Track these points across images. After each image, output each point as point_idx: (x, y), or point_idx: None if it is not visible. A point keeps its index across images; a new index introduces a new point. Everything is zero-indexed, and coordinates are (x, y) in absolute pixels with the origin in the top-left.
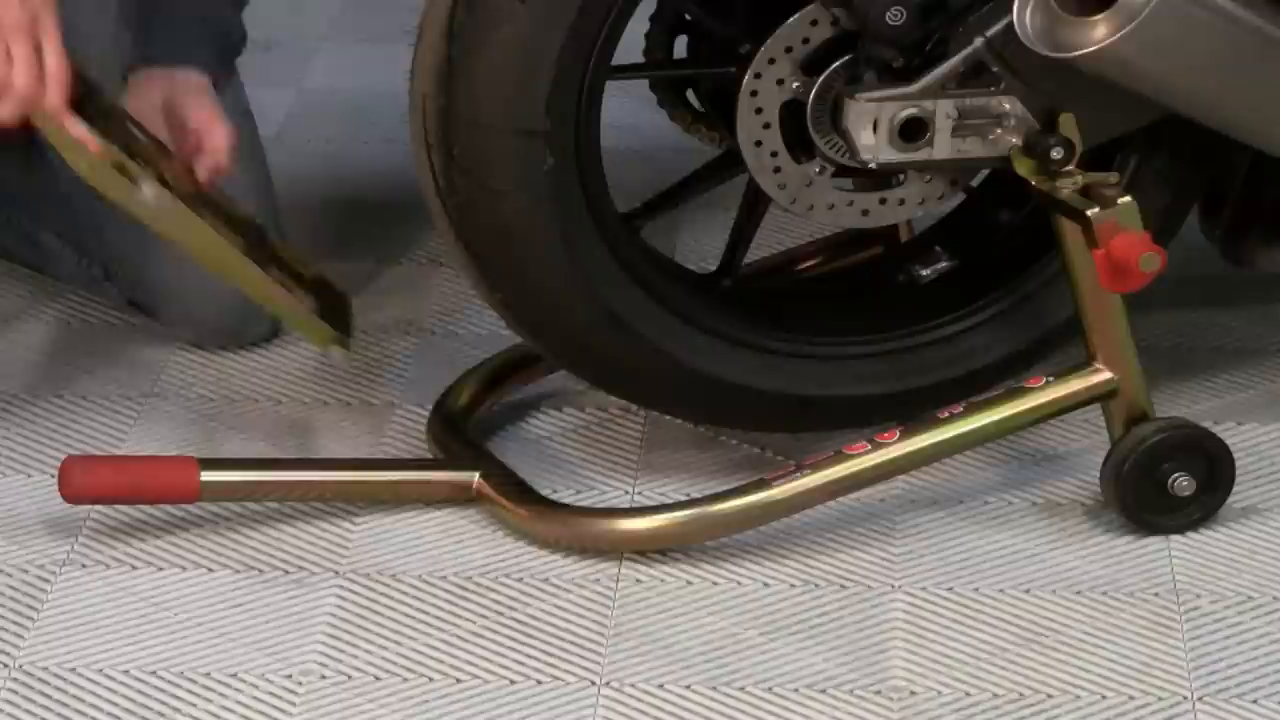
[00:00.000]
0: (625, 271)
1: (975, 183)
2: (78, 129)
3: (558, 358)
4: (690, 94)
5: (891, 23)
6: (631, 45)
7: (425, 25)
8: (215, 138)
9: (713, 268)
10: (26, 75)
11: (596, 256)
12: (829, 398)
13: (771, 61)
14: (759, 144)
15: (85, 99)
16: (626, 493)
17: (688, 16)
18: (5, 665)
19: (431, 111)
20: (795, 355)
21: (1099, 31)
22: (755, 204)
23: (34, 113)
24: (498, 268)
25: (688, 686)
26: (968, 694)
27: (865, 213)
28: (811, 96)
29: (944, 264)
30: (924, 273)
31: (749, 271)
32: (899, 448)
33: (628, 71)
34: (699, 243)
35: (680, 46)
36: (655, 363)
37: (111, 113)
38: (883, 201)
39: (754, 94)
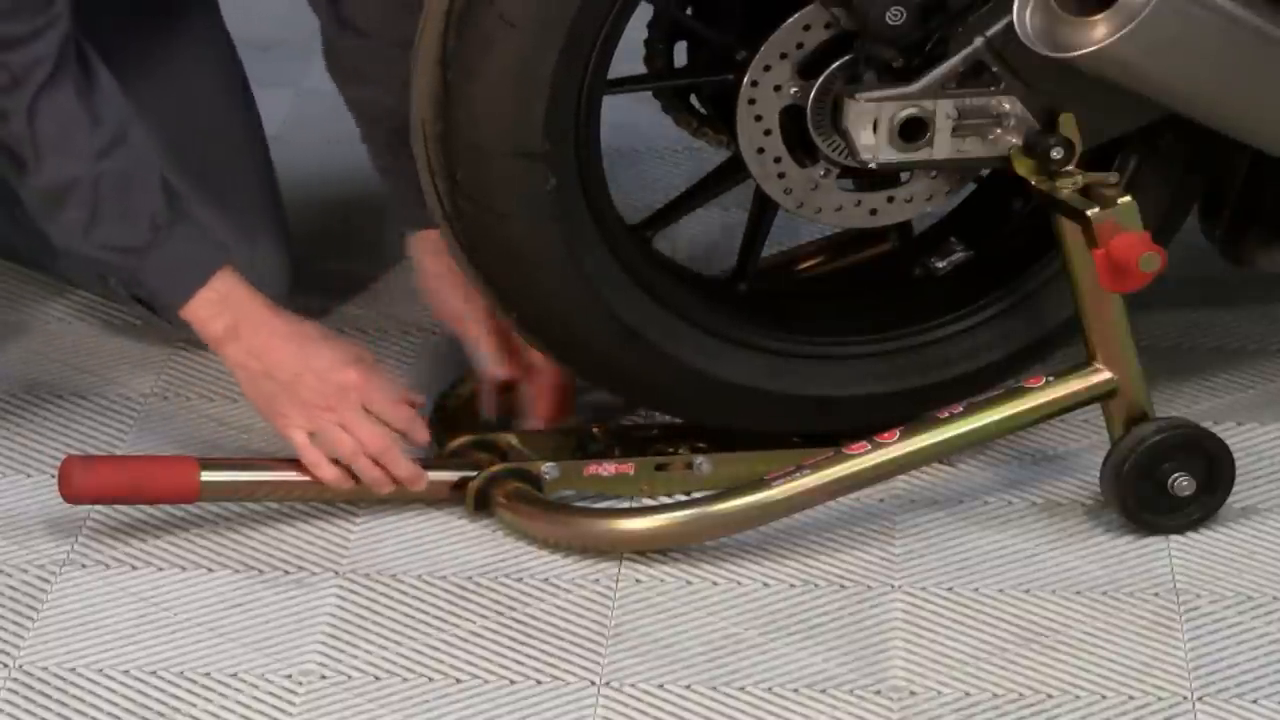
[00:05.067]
0: (637, 283)
1: (985, 171)
2: (605, 467)
3: (578, 372)
4: (694, 98)
5: (891, 22)
6: (634, 51)
7: (418, 51)
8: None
9: (718, 267)
10: (409, 470)
11: (606, 271)
12: (849, 398)
13: (767, 68)
14: (761, 151)
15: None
16: None
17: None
18: (5, 665)
19: (431, 137)
20: (814, 357)
21: (1099, 31)
22: (764, 208)
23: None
24: (510, 288)
25: (688, 686)
26: (968, 694)
27: (874, 212)
28: (811, 98)
29: (959, 254)
30: (940, 265)
31: (763, 268)
32: (899, 448)
33: (624, 85)
34: (702, 242)
35: (681, 53)
36: (674, 371)
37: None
38: (890, 200)
39: (752, 101)
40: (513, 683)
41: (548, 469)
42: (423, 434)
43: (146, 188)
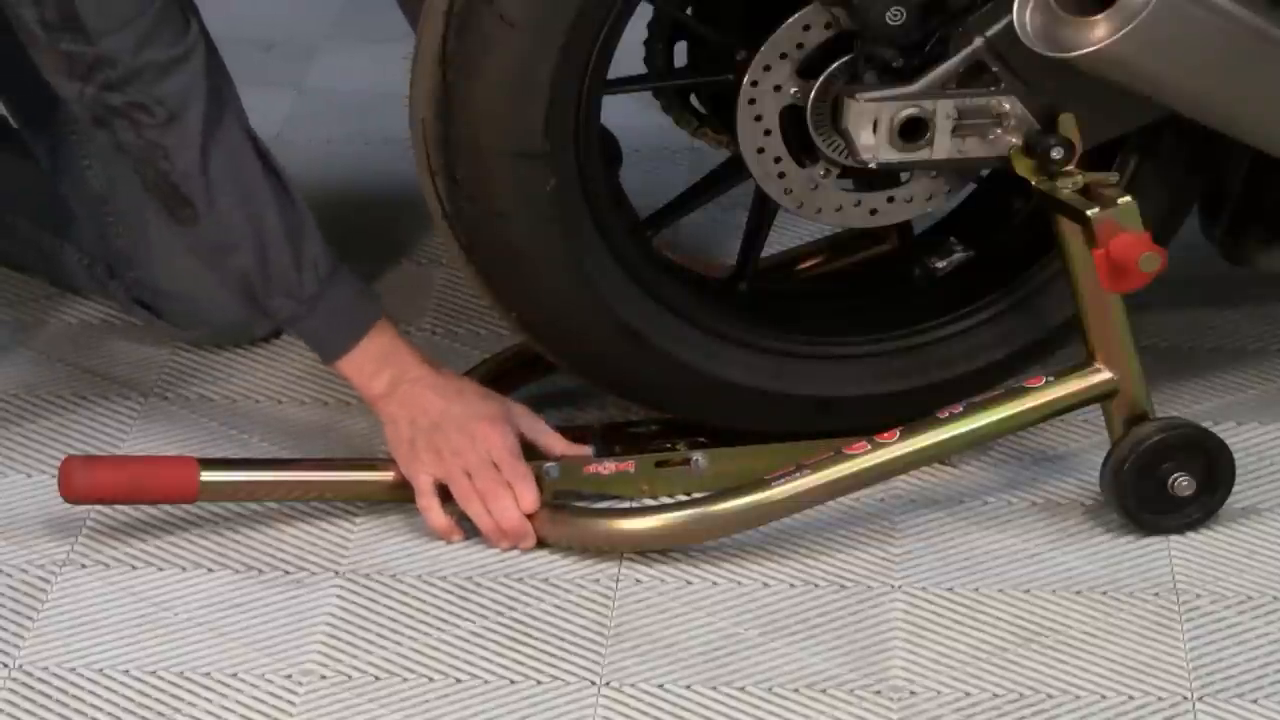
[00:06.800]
0: (637, 283)
1: (985, 171)
2: (604, 465)
3: (578, 371)
4: (694, 98)
5: (891, 22)
6: (634, 51)
7: (419, 51)
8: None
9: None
10: (513, 521)
11: (606, 271)
12: (849, 398)
13: (767, 68)
14: (761, 151)
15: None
16: None
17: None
18: (5, 665)
19: (432, 137)
20: (814, 357)
21: (1099, 31)
22: (764, 207)
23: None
24: (510, 288)
25: (688, 686)
26: (968, 694)
27: (874, 212)
28: (811, 98)
29: (959, 254)
30: (940, 265)
31: (763, 268)
32: (899, 448)
33: (624, 85)
34: (702, 242)
35: (681, 53)
36: (673, 371)
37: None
38: (890, 200)
39: (752, 101)
40: (513, 682)
41: (548, 468)
42: (528, 499)
43: (312, 233)
